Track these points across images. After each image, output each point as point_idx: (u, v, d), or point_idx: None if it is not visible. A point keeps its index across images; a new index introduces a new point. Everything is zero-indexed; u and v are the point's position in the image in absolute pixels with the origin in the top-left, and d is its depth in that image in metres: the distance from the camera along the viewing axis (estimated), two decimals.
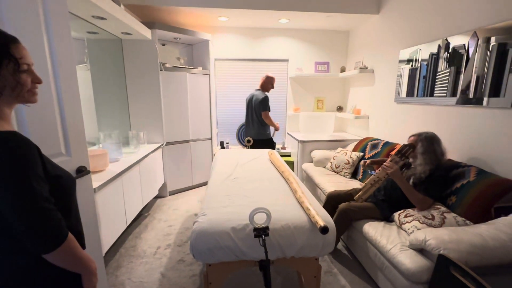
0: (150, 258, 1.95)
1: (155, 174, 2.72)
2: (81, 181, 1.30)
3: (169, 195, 3.16)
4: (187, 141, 3.21)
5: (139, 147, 2.53)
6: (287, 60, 3.83)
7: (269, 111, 3.04)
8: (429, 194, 1.68)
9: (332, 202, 2.07)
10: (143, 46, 2.70)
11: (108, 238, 1.72)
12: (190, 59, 3.50)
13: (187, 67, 3.09)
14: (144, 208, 2.80)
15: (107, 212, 1.70)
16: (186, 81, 3.06)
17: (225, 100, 3.88)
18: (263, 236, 1.00)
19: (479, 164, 1.78)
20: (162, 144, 2.90)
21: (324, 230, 1.05)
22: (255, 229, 1.03)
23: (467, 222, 1.49)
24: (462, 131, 1.94)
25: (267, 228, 1.03)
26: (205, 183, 3.51)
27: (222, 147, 3.71)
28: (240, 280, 1.69)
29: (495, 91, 1.67)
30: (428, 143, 1.76)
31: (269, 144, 3.19)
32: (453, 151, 2.00)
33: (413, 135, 1.85)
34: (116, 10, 1.96)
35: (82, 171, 1.28)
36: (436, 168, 1.73)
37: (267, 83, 3.09)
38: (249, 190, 1.53)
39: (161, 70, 2.82)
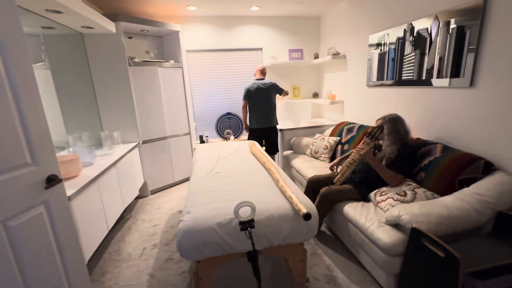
0: (137, 260, 1.92)
1: (134, 175, 2.63)
2: (53, 191, 1.23)
3: (151, 194, 3.09)
4: (165, 138, 3.12)
5: (113, 148, 2.42)
6: (261, 49, 3.80)
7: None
8: (400, 171, 1.81)
9: (312, 186, 2.15)
10: (107, 40, 2.53)
11: (89, 245, 1.66)
12: (160, 52, 3.35)
13: (158, 60, 2.96)
14: (125, 210, 2.72)
15: (86, 218, 1.64)
16: (158, 75, 2.93)
17: (201, 93, 3.80)
18: (249, 228, 1.02)
19: (444, 141, 1.92)
20: (138, 143, 2.80)
21: (307, 216, 1.09)
22: (241, 223, 1.04)
23: (435, 195, 1.62)
24: (429, 111, 2.06)
25: (252, 220, 1.05)
26: (187, 179, 3.46)
27: (202, 141, 3.66)
28: (229, 272, 1.72)
29: (456, 72, 1.78)
30: (392, 124, 1.88)
31: (277, 130, 3.26)
32: (422, 130, 2.14)
33: (379, 119, 1.97)
34: (73, 2, 1.81)
35: (53, 179, 1.20)
36: (403, 146, 1.85)
37: (264, 71, 3.17)
38: (232, 184, 1.54)
39: (130, 65, 2.67)
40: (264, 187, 1.47)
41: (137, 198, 2.99)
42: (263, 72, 3.15)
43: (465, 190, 1.52)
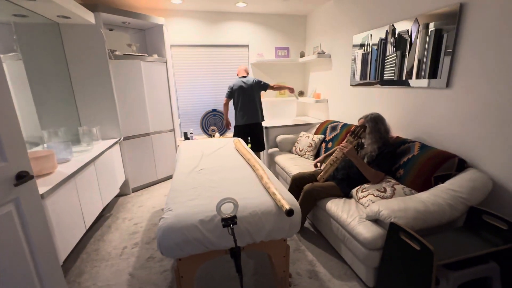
0: (116, 260, 1.86)
1: (114, 172, 2.54)
2: (24, 188, 1.16)
3: (132, 192, 3.00)
4: (148, 134, 3.04)
5: (92, 145, 2.33)
6: (247, 46, 3.77)
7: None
8: (381, 168, 1.86)
9: (296, 183, 2.17)
10: (86, 31, 2.42)
11: (65, 245, 1.58)
12: (143, 46, 3.24)
13: (140, 54, 2.86)
14: (105, 208, 2.63)
15: (61, 217, 1.56)
16: (141, 69, 2.84)
17: (186, 89, 3.72)
18: (231, 225, 1.01)
19: (422, 139, 2.00)
20: (119, 139, 2.71)
21: (290, 212, 1.10)
22: (223, 219, 1.03)
23: (413, 191, 1.68)
24: (408, 110, 2.14)
25: (234, 217, 1.04)
26: (170, 177, 3.39)
27: (186, 138, 3.60)
28: (212, 269, 1.71)
29: (434, 73, 1.86)
30: (373, 123, 1.93)
31: (262, 127, 3.23)
32: (402, 129, 2.21)
33: (361, 118, 2.02)
34: None
35: (24, 176, 1.13)
36: (384, 144, 1.91)
37: (247, 71, 3.18)
38: (216, 181, 1.52)
39: (110, 59, 2.57)
40: (248, 184, 1.46)
41: (118, 196, 2.90)
42: (246, 70, 3.16)
43: (440, 186, 1.59)
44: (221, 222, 1.03)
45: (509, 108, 1.45)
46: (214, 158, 2.01)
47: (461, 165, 1.64)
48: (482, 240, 1.31)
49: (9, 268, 1.11)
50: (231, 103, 3.17)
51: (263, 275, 1.65)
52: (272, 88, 3.16)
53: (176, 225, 1.09)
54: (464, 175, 1.56)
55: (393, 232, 1.33)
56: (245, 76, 3.10)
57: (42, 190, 1.39)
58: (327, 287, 1.56)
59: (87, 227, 1.90)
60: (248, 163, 1.83)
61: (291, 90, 3.19)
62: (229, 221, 1.02)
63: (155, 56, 3.03)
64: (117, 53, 2.68)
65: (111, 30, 2.99)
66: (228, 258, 1.79)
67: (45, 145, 2.09)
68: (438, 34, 1.79)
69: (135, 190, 3.04)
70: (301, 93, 4.04)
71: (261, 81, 3.07)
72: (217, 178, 1.59)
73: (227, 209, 1.07)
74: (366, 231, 1.46)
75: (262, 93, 3.22)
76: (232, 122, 3.30)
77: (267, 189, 1.35)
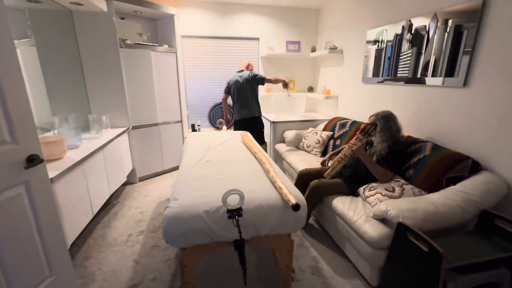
0: (122, 246, 1.89)
1: (122, 160, 2.57)
2: (34, 171, 1.18)
3: (139, 181, 3.04)
4: (155, 125, 3.05)
5: (101, 132, 2.35)
6: (258, 39, 3.73)
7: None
8: (390, 168, 1.82)
9: (303, 179, 2.15)
10: (98, 19, 2.42)
11: (72, 229, 1.61)
12: (154, 36, 3.24)
13: (151, 44, 2.86)
14: (112, 196, 2.67)
15: (69, 202, 1.59)
16: (151, 59, 2.84)
17: (195, 80, 3.71)
18: (236, 217, 1.00)
19: (434, 140, 1.94)
20: (127, 128, 2.73)
21: (296, 207, 1.08)
22: (229, 211, 1.03)
23: (422, 192, 1.64)
24: (422, 109, 2.08)
25: (240, 209, 1.03)
26: (177, 168, 3.41)
27: (194, 130, 3.60)
28: (215, 260, 1.72)
29: (451, 72, 1.79)
30: (385, 121, 1.88)
31: (261, 122, 3.14)
32: (413, 128, 2.15)
33: (372, 115, 1.97)
34: None
35: (34, 160, 1.15)
36: (394, 143, 1.86)
37: (249, 67, 3.10)
38: (222, 173, 1.52)
39: (121, 47, 2.57)
40: (254, 177, 1.45)
41: (125, 184, 2.94)
42: (246, 66, 3.07)
43: (452, 188, 1.55)
44: (227, 214, 1.03)
45: None
46: (221, 151, 2.00)
47: (475, 168, 1.59)
48: (493, 245, 1.27)
49: (18, 249, 1.14)
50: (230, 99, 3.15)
51: (266, 268, 1.65)
52: (269, 81, 2.98)
53: (181, 215, 1.09)
54: (478, 178, 1.51)
55: (400, 232, 1.30)
56: (242, 71, 3.04)
57: (51, 174, 1.41)
58: (330, 284, 1.55)
59: (94, 213, 1.93)
60: (255, 157, 1.82)
61: (285, 84, 2.99)
62: (235, 213, 1.01)
63: (165, 46, 3.02)
64: (128, 42, 2.68)
65: (122, 18, 2.99)
66: (231, 249, 1.78)
67: (56, 131, 2.12)
68: (458, 31, 1.72)
69: (142, 179, 3.07)
70: (311, 89, 3.98)
71: (257, 75, 2.93)
72: (224, 170, 1.58)
73: (233, 201, 1.06)
74: (373, 230, 1.44)
75: (269, 86, 3.17)
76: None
77: (273, 183, 1.34)
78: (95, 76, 2.55)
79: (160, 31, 3.23)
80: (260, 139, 3.12)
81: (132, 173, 2.92)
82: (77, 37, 2.42)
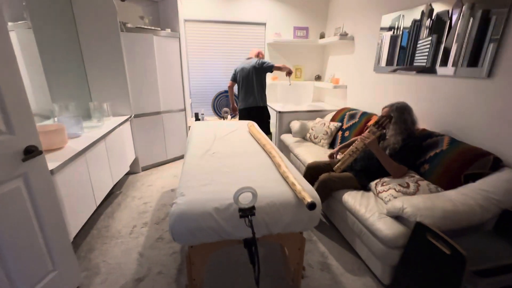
0: (126, 238, 1.85)
1: (125, 149, 2.50)
2: (32, 163, 1.11)
3: (142, 171, 2.98)
4: (158, 113, 2.96)
5: (103, 121, 2.27)
6: (264, 24, 3.56)
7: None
8: (404, 163, 1.74)
9: (311, 172, 2.08)
10: (97, 0, 2.28)
11: (75, 221, 1.57)
12: (156, 19, 3.09)
13: (153, 28, 2.72)
14: (115, 186, 2.62)
15: (71, 193, 1.53)
16: (153, 44, 2.71)
17: (198, 67, 3.59)
18: (249, 216, 0.94)
19: (452, 133, 1.85)
20: (130, 117, 2.64)
21: (312, 206, 1.02)
22: (241, 210, 0.96)
23: (439, 189, 1.57)
24: (439, 101, 1.97)
25: (253, 207, 0.97)
26: (180, 157, 3.36)
27: (197, 118, 3.51)
28: (223, 254, 1.68)
29: (474, 61, 1.67)
30: (399, 113, 1.79)
31: (267, 112, 3.05)
32: (429, 121, 2.06)
33: (386, 106, 1.88)
34: None
35: (32, 151, 1.08)
36: (409, 137, 1.78)
37: (260, 55, 2.99)
38: (230, 166, 1.45)
39: (122, 31, 2.45)
40: (264, 171, 1.38)
41: (128, 174, 2.89)
42: (257, 54, 2.96)
43: (471, 185, 1.48)
44: (239, 213, 0.96)
45: None
46: (227, 142, 1.93)
47: (496, 164, 1.51)
48: None
49: (19, 244, 1.09)
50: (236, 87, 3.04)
51: (273, 264, 1.61)
52: (278, 68, 2.84)
53: (189, 212, 1.03)
54: (500, 175, 1.44)
55: (418, 232, 1.24)
56: (250, 58, 2.92)
57: (51, 165, 1.34)
58: (340, 281, 1.51)
59: (98, 204, 1.88)
60: (264, 149, 1.74)
61: (289, 73, 2.88)
62: (247, 212, 0.95)
63: (168, 30, 2.88)
64: (129, 25, 2.55)
65: (123, 0, 2.83)
66: (241, 245, 1.75)
67: (56, 119, 2.04)
68: (485, 17, 1.59)
69: (145, 169, 3.02)
70: (318, 77, 3.85)
71: (265, 62, 2.80)
72: (231, 163, 1.51)
73: (245, 199, 1.00)
74: (387, 228, 1.38)
75: (275, 75, 3.04)
76: None
77: (285, 179, 1.27)
78: (96, 62, 2.43)
79: (162, 14, 3.07)
80: (266, 130, 3.02)
81: (135, 162, 2.86)
82: (75, 20, 2.29)
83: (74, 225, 1.56)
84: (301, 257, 1.30)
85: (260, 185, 1.20)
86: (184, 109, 3.23)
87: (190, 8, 3.28)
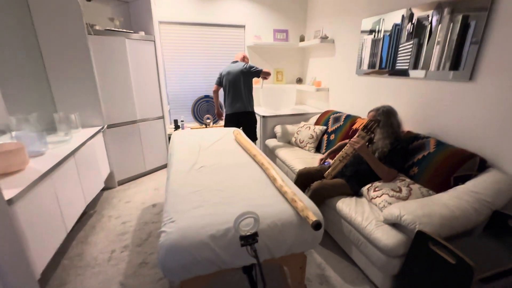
0: (104, 266, 1.65)
1: (98, 164, 2.27)
2: None
3: (118, 185, 2.74)
4: (135, 122, 2.75)
5: (71, 134, 2.03)
6: (243, 27, 3.47)
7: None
8: (394, 166, 1.74)
9: (302, 179, 2.02)
10: (58, 0, 2.03)
11: (42, 255, 1.35)
12: (127, 21, 2.86)
13: (125, 30, 2.51)
14: (88, 204, 2.36)
15: (36, 223, 1.32)
16: (126, 48, 2.50)
17: (175, 72, 3.39)
18: (253, 244, 0.84)
19: (436, 136, 1.88)
20: (102, 128, 2.41)
21: (318, 226, 0.94)
22: (242, 238, 0.86)
23: (430, 192, 1.58)
24: (422, 104, 2.01)
25: (256, 234, 0.87)
26: (160, 167, 3.15)
27: (177, 126, 3.32)
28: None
29: (455, 65, 1.71)
30: (386, 117, 1.81)
31: (254, 117, 2.93)
32: (413, 123, 2.09)
33: (372, 110, 1.88)
34: None
35: None
36: (396, 140, 1.79)
37: (245, 59, 2.89)
38: (221, 182, 1.33)
39: (89, 34, 2.22)
40: (259, 187, 1.28)
41: (102, 190, 2.63)
42: (242, 58, 2.87)
43: (461, 187, 1.50)
44: (240, 241, 0.86)
45: None
46: (214, 153, 1.80)
47: (482, 165, 1.55)
48: (509, 248, 1.23)
49: None
50: (221, 91, 2.92)
51: (271, 282, 1.52)
52: (266, 74, 2.76)
53: (182, 243, 0.90)
54: (487, 177, 1.47)
55: (420, 241, 1.22)
56: (236, 62, 2.83)
57: (9, 194, 1.13)
58: None
59: (69, 230, 1.66)
60: (254, 160, 1.64)
61: (265, 74, 2.77)
62: (250, 240, 0.85)
63: (142, 33, 2.68)
64: (97, 27, 2.32)
65: (88, 0, 2.58)
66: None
67: (13, 133, 1.78)
68: (465, 21, 1.63)
69: (121, 183, 2.78)
70: (300, 80, 3.83)
71: (252, 67, 2.72)
72: (222, 178, 1.39)
73: (246, 225, 0.89)
74: (386, 237, 1.35)
75: (256, 79, 2.94)
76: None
77: (283, 194, 1.18)
78: (60, 67, 2.17)
79: (134, 15, 2.86)
80: (253, 136, 2.93)
81: (110, 177, 2.62)
82: (33, 22, 2.03)
83: (41, 260, 1.34)
84: (302, 276, 1.22)
85: (258, 203, 1.10)
86: (163, 117, 3.03)
87: (165, 9, 3.09)
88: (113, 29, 2.45)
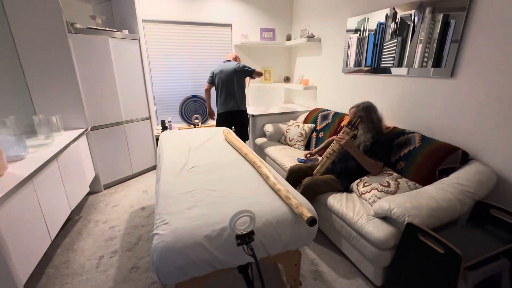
0: (92, 273, 1.59)
1: (83, 168, 2.18)
2: None
3: (104, 189, 2.65)
4: (120, 123, 2.66)
5: (52, 137, 1.94)
6: (230, 25, 3.45)
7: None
8: (378, 158, 1.80)
9: (294, 176, 2.04)
10: None
11: (25, 265, 1.28)
12: (109, 19, 2.77)
13: (108, 29, 2.43)
14: (73, 210, 2.27)
15: (18, 232, 1.25)
16: (109, 47, 2.42)
17: (161, 71, 3.32)
18: (249, 243, 0.83)
19: (421, 131, 1.95)
20: (86, 130, 2.32)
21: (313, 222, 0.94)
22: (238, 237, 0.85)
23: (417, 185, 1.63)
24: (407, 100, 2.07)
25: (252, 232, 0.86)
26: (148, 170, 3.07)
27: (164, 127, 3.26)
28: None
29: (437, 62, 1.78)
30: (366, 112, 1.87)
31: (247, 116, 2.95)
32: (399, 119, 2.15)
33: (353, 107, 1.95)
34: None
35: None
36: (377, 133, 1.86)
37: (237, 59, 2.91)
38: (214, 182, 1.31)
39: (70, 32, 2.13)
40: (253, 185, 1.28)
41: (88, 194, 2.54)
42: (234, 58, 2.89)
43: (445, 180, 1.56)
44: (236, 240, 0.85)
45: None
46: (205, 153, 1.78)
47: (465, 158, 1.61)
48: (492, 236, 1.29)
49: None
50: (213, 90, 2.90)
51: (267, 280, 1.52)
52: (258, 74, 2.86)
53: (176, 245, 0.88)
54: (469, 169, 1.54)
55: (409, 232, 1.26)
56: (228, 61, 2.82)
57: None
58: None
59: (53, 238, 1.59)
60: (246, 159, 1.64)
61: (257, 75, 2.86)
62: (246, 239, 0.84)
63: (126, 32, 2.60)
64: (78, 26, 2.23)
65: None
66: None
67: None
68: (445, 20, 1.70)
69: (108, 186, 2.69)
70: (287, 79, 3.86)
71: (246, 66, 2.77)
72: (214, 177, 1.38)
73: (242, 224, 0.88)
74: (377, 230, 1.38)
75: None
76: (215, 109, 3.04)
77: (277, 192, 1.18)
78: (38, 68, 2.07)
79: (117, 14, 2.77)
80: (245, 135, 2.93)
81: (95, 181, 2.53)
82: (8, 19, 1.92)
83: (24, 269, 1.27)
84: (297, 273, 1.23)
85: (252, 202, 1.10)
86: (149, 117, 2.96)
87: (149, 7, 3.01)
88: (95, 27, 2.36)
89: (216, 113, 2.90)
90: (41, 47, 2.03)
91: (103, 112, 2.50)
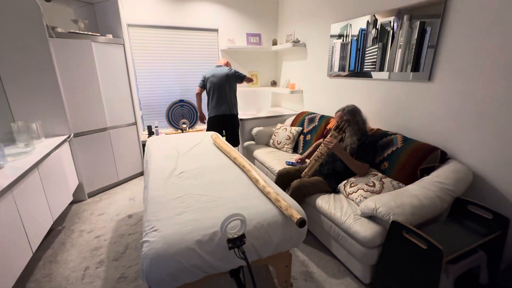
0: (78, 285, 1.53)
1: (65, 176, 2.11)
2: None
3: (89, 197, 2.57)
4: (105, 129, 2.60)
5: (32, 145, 1.86)
6: (216, 30, 3.46)
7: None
8: (365, 160, 1.86)
9: (282, 179, 2.07)
10: (13, 0, 1.87)
11: (4, 279, 1.22)
12: (92, 24, 2.71)
13: (90, 33, 2.38)
14: (55, 220, 2.18)
15: None
16: (92, 51, 2.37)
17: (146, 76, 3.28)
18: (241, 246, 0.84)
19: (403, 132, 2.03)
20: (68, 137, 2.24)
21: (302, 223, 0.96)
22: (230, 240, 0.85)
23: (400, 184, 1.70)
24: (389, 103, 2.16)
25: (243, 236, 0.87)
26: (135, 176, 3.01)
27: (151, 132, 3.20)
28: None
29: (416, 66, 1.87)
30: (351, 115, 1.94)
31: (238, 121, 2.98)
32: (382, 121, 2.23)
33: (338, 111, 2.01)
34: None
35: None
36: (363, 135, 1.92)
37: (228, 64, 2.97)
38: (202, 187, 1.31)
39: (51, 37, 2.06)
40: (242, 189, 1.29)
41: (71, 203, 2.44)
42: (226, 64, 2.94)
43: (426, 178, 1.63)
44: (228, 244, 0.85)
45: (486, 102, 1.51)
46: (193, 158, 1.77)
47: (443, 157, 1.70)
48: (470, 230, 1.36)
49: None
50: (204, 94, 2.91)
51: (259, 280, 1.52)
52: (249, 80, 2.95)
53: (167, 251, 0.87)
54: (448, 167, 1.62)
55: (394, 230, 1.30)
56: (220, 66, 2.86)
57: None
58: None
59: (34, 250, 1.52)
60: (235, 162, 1.64)
61: (248, 80, 2.96)
62: (238, 242, 0.84)
63: (110, 36, 2.56)
64: (59, 30, 2.17)
65: (48, 1, 2.41)
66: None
67: None
68: (422, 26, 1.80)
69: (92, 194, 2.61)
70: (274, 83, 3.91)
71: (237, 72, 2.84)
72: (203, 182, 1.37)
73: (233, 227, 0.89)
74: (364, 229, 1.42)
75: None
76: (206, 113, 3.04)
77: (266, 195, 1.19)
78: (16, 73, 1.99)
79: (100, 18, 2.72)
80: (236, 140, 2.95)
81: (78, 189, 2.44)
82: None
83: (3, 285, 1.21)
84: (288, 274, 1.25)
85: (242, 206, 1.11)
86: (135, 123, 2.91)
87: (133, 11, 2.98)
88: (77, 31, 2.31)
89: (207, 117, 2.91)
90: (19, 51, 1.96)
91: (86, 118, 2.43)
